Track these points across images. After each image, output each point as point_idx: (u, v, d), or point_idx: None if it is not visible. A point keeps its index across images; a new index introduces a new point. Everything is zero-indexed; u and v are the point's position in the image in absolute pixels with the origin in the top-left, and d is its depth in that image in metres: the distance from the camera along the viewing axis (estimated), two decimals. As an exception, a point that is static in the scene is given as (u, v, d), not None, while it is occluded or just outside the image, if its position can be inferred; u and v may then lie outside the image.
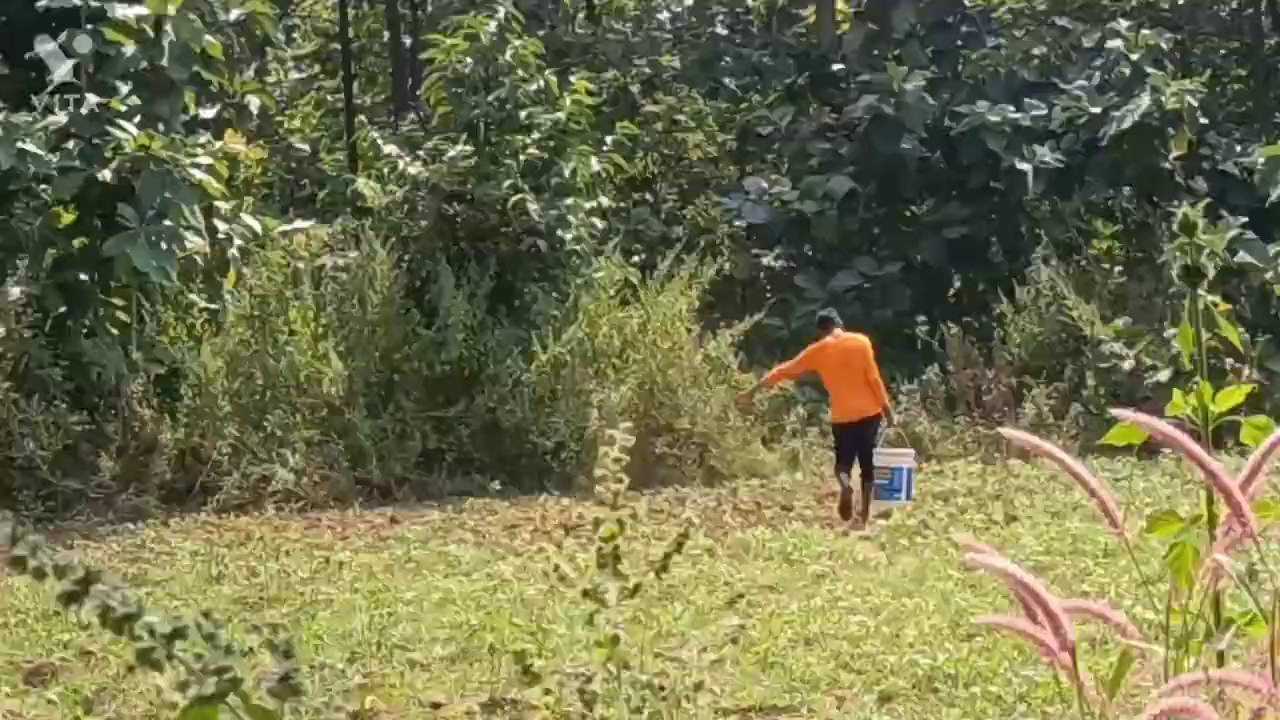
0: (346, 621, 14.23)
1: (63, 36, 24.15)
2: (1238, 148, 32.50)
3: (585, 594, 3.10)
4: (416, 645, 13.02)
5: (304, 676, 2.26)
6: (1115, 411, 3.34)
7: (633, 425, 3.56)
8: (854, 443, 20.68)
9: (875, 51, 35.07)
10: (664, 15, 40.14)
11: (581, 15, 38.87)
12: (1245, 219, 30.18)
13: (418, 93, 31.22)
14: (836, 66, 35.29)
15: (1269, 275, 29.73)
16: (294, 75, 37.53)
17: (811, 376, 22.96)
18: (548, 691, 3.18)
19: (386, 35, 39.35)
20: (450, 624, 13.57)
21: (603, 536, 3.03)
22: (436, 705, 11.00)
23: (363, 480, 23.74)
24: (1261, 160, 31.56)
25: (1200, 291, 3.58)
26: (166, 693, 2.21)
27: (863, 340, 21.75)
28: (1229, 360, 25.83)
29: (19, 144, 23.22)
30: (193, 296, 24.65)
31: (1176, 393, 3.43)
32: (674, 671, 11.44)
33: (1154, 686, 2.79)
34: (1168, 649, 2.86)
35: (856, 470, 20.96)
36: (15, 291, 23.42)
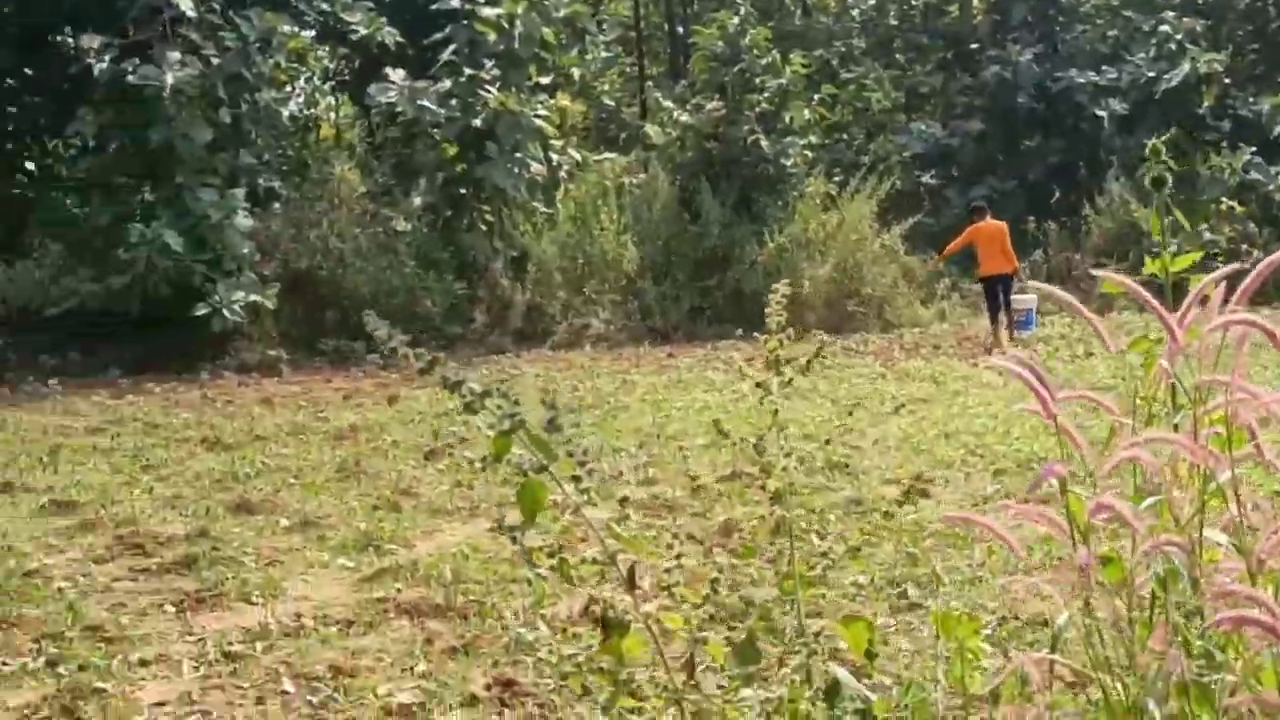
0: (638, 420, 14.64)
1: (448, 29, 24.56)
2: (1251, 99, 33.08)
3: (757, 385, 3.14)
4: (683, 437, 13.31)
5: (564, 422, 2.55)
6: (1096, 272, 3.50)
7: (789, 284, 3.59)
8: (998, 289, 20.91)
9: (999, 34, 34.67)
10: (855, 10, 40.05)
11: (798, 10, 38.74)
12: (1255, 149, 30.46)
13: (687, 65, 31.22)
14: (973, 45, 34.96)
15: (1271, 188, 29.78)
16: (603, 54, 37.50)
17: (965, 252, 22.98)
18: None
19: (665, 26, 39.46)
20: (706, 423, 13.45)
21: (769, 347, 3.15)
22: (694, 476, 11.14)
23: (650, 328, 24.08)
24: (1267, 107, 32.85)
25: (1164, 191, 3.45)
26: (483, 430, 2.54)
27: (1002, 224, 22.01)
28: (1244, 246, 25.69)
29: (420, 101, 23.72)
30: (535, 204, 25.01)
31: (1147, 258, 3.41)
32: (855, 454, 11.80)
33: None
34: (1135, 423, 3.02)
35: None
36: (417, 201, 23.96)
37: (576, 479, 2.37)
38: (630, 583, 2.29)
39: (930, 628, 4.31)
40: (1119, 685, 2.58)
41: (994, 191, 28.86)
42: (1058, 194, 29.10)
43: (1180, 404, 2.95)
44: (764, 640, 2.41)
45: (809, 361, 3.06)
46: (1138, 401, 3.06)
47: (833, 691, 2.31)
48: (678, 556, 2.46)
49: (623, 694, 2.24)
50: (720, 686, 2.27)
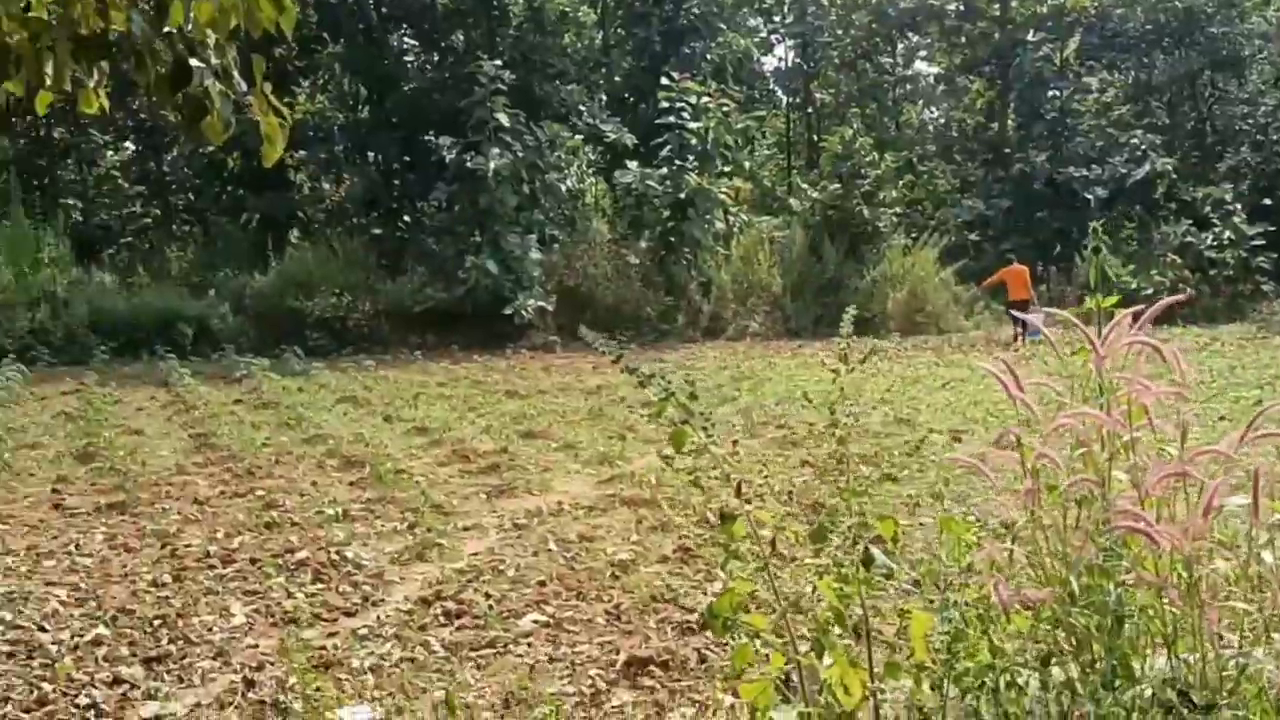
0: (776, 387, 14.41)
1: (665, 136, 24.57)
2: (1191, 188, 29.36)
3: (833, 370, 3.01)
4: (804, 399, 12.99)
5: (713, 394, 2.61)
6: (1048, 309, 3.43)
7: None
8: (1019, 310, 20.40)
9: (1023, 143, 33.60)
10: (930, 126, 39.26)
11: (893, 125, 38.01)
12: (1190, 221, 27.50)
13: (818, 160, 30.75)
14: (1005, 150, 33.97)
15: (1201, 248, 26.73)
16: (765, 152, 37.16)
17: (998, 287, 22.45)
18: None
19: (805, 135, 38.93)
20: (817, 390, 12.95)
21: (839, 347, 3.06)
22: (811, 424, 10.64)
23: (788, 329, 23.94)
24: (1200, 194, 28.30)
25: (1100, 256, 3.16)
26: (652, 396, 2.60)
27: (1024, 267, 21.46)
28: (1181, 286, 24.41)
29: (646, 181, 23.88)
30: (718, 249, 24.98)
31: (1086, 297, 3.18)
32: (914, 413, 11.47)
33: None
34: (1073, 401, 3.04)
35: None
36: (643, 245, 24.00)
37: (705, 429, 2.47)
38: (737, 490, 2.40)
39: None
40: (1054, 566, 2.63)
41: (1016, 246, 27.99)
42: (1059, 249, 28.14)
43: (1102, 391, 2.96)
44: (830, 529, 2.50)
45: (869, 354, 3.11)
46: (1075, 388, 3.07)
47: (868, 560, 2.40)
48: (766, 476, 2.58)
49: (733, 557, 2.35)
50: (794, 559, 2.37)
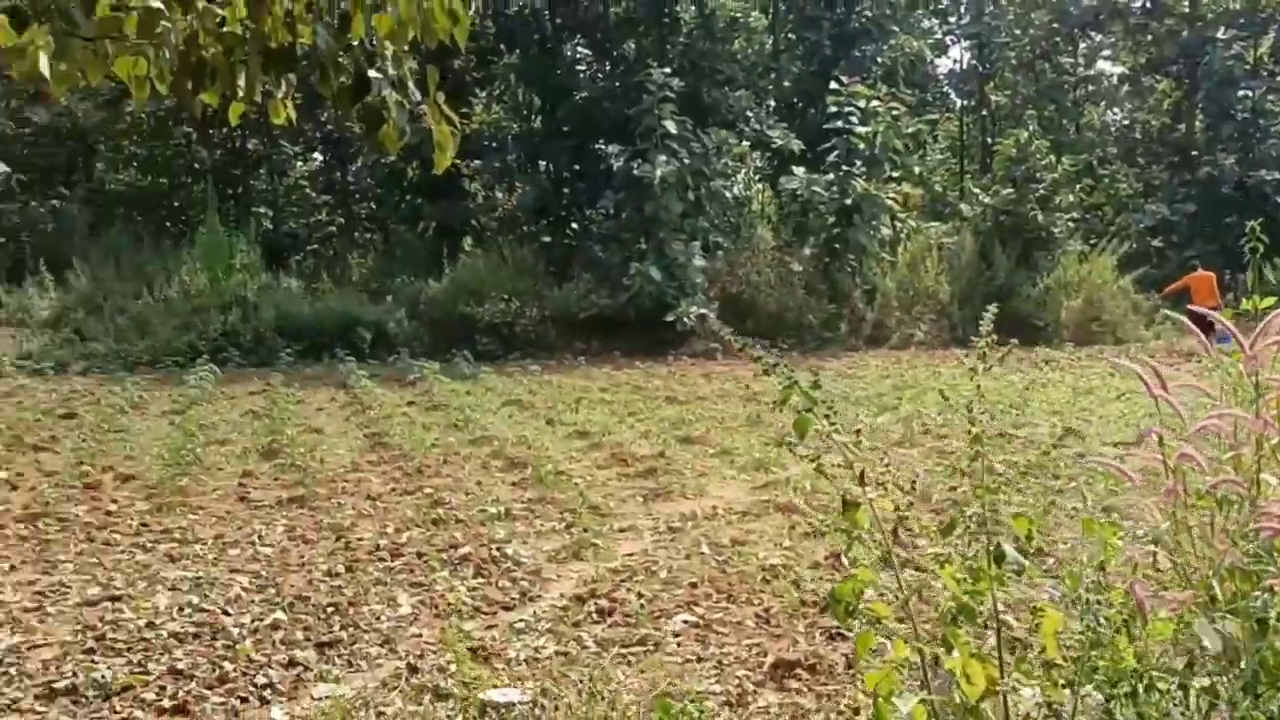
0: (936, 396, 14.20)
1: (833, 141, 24.43)
2: None
3: (970, 370, 3.00)
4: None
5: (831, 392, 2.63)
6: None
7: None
8: (1206, 318, 19.44)
9: (1211, 145, 32.06)
10: (1112, 127, 37.80)
11: (1073, 127, 36.79)
12: None
13: (990, 164, 30.14)
14: (1193, 153, 32.48)
15: None
16: (938, 157, 36.47)
17: (1180, 294, 21.59)
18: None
19: (979, 139, 38.09)
20: (977, 397, 13.11)
21: (978, 350, 2.94)
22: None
23: (955, 338, 23.41)
24: None
25: (1257, 255, 3.14)
26: (778, 386, 2.62)
27: (1211, 274, 20.77)
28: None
29: (812, 187, 23.78)
30: (884, 255, 24.63)
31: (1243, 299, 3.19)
32: (1083, 425, 11.02)
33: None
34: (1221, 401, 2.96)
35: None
36: (807, 252, 23.85)
37: (828, 416, 2.51)
38: (860, 479, 2.42)
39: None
40: (1196, 569, 2.57)
41: (1201, 253, 26.77)
42: (1247, 256, 26.72)
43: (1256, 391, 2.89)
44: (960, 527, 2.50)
45: (1005, 354, 3.05)
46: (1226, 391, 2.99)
47: (999, 556, 2.40)
48: (886, 466, 2.59)
49: (855, 544, 2.38)
50: (917, 548, 2.38)
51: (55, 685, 4.88)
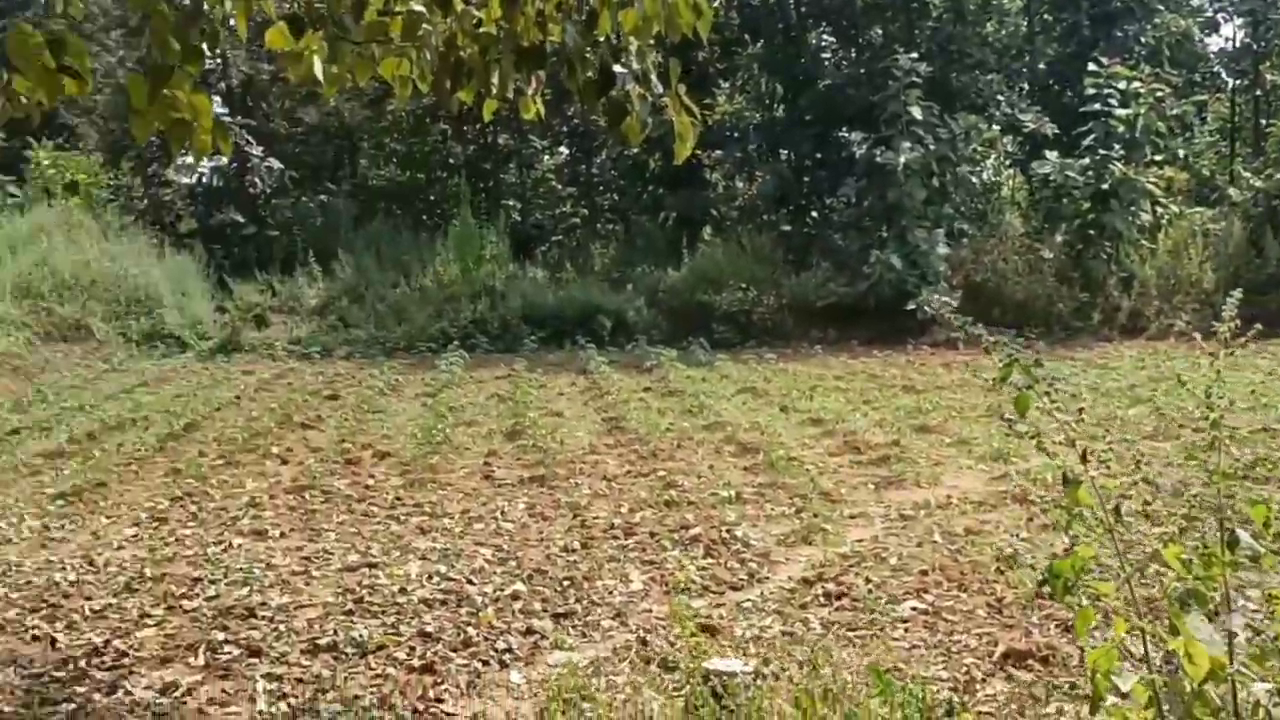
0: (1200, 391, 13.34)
1: (1089, 124, 23.35)
2: None
3: (1209, 355, 2.93)
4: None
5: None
6: None
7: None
8: None
9: None
10: None
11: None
12: None
13: (1264, 146, 28.00)
14: None
15: None
16: (1207, 140, 34.24)
17: None
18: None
19: (1252, 120, 35.53)
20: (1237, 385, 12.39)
21: (1219, 334, 2.82)
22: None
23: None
24: None
25: None
26: (996, 364, 2.59)
27: None
28: None
29: (1066, 172, 22.77)
30: (1143, 241, 23.26)
31: None
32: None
33: None
34: None
35: None
36: (1058, 239, 22.90)
37: (1048, 393, 2.47)
38: (1082, 458, 2.38)
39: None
40: None
41: None
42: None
43: None
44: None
45: (1247, 340, 2.94)
46: None
47: (1233, 543, 2.32)
48: (1109, 444, 2.51)
49: (1077, 522, 2.34)
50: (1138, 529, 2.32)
51: (318, 642, 5.35)
